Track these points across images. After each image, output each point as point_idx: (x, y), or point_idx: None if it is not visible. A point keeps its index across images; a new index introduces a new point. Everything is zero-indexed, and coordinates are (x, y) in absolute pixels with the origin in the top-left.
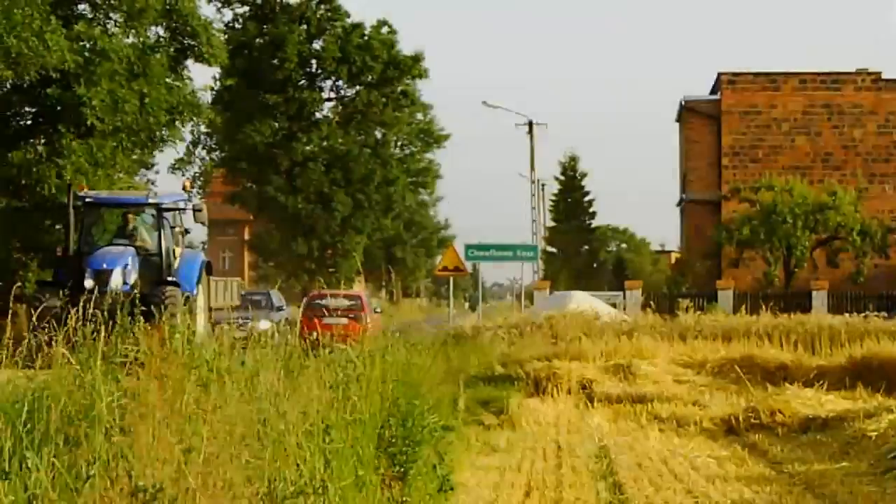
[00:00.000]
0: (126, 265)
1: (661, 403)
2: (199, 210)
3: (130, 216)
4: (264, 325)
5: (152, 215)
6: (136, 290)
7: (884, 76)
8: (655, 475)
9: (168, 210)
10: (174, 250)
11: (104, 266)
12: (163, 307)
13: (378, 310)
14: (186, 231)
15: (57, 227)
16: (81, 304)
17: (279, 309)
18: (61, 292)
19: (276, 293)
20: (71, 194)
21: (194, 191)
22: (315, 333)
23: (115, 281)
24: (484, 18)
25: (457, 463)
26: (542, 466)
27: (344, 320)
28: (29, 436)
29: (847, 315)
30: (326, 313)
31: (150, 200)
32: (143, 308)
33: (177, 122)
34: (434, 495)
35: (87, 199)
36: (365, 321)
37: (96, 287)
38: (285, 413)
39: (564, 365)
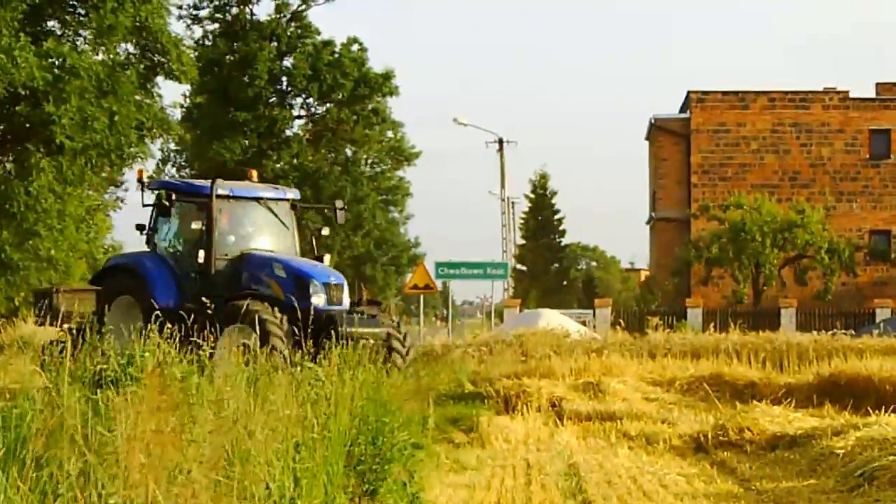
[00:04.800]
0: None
1: (630, 421)
2: (343, 208)
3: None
4: None
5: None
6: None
7: (851, 95)
8: (624, 493)
9: (304, 208)
10: None
11: (332, 280)
12: (402, 340)
13: None
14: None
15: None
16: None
17: None
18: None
19: None
20: (214, 186)
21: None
22: None
23: (345, 299)
24: (456, 37)
25: (426, 481)
26: (512, 484)
27: None
28: None
29: (815, 333)
30: None
31: (289, 196)
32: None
33: (146, 139)
34: None
35: (220, 193)
36: None
37: (327, 306)
38: (254, 432)
39: (534, 383)
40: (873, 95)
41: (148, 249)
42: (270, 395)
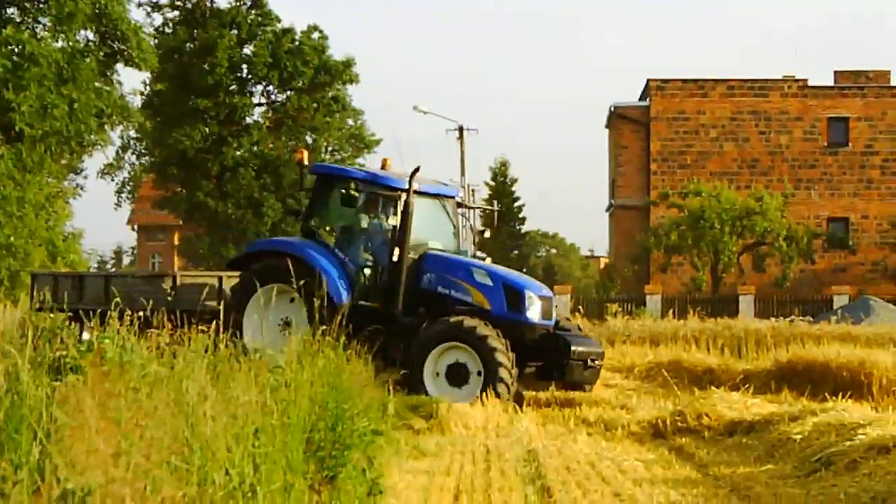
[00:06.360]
0: None
1: (589, 407)
2: (500, 210)
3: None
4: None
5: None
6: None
7: (809, 83)
8: (583, 478)
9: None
10: None
11: (544, 293)
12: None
13: None
14: None
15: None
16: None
17: None
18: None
19: None
20: (412, 178)
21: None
22: None
23: (554, 313)
24: (414, 25)
25: (386, 467)
26: (471, 470)
27: None
28: None
29: (773, 319)
30: None
31: (459, 194)
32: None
33: (106, 127)
34: (363, 499)
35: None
36: None
37: (542, 321)
38: (213, 417)
39: None
40: (831, 84)
41: (302, 237)
42: (231, 382)
